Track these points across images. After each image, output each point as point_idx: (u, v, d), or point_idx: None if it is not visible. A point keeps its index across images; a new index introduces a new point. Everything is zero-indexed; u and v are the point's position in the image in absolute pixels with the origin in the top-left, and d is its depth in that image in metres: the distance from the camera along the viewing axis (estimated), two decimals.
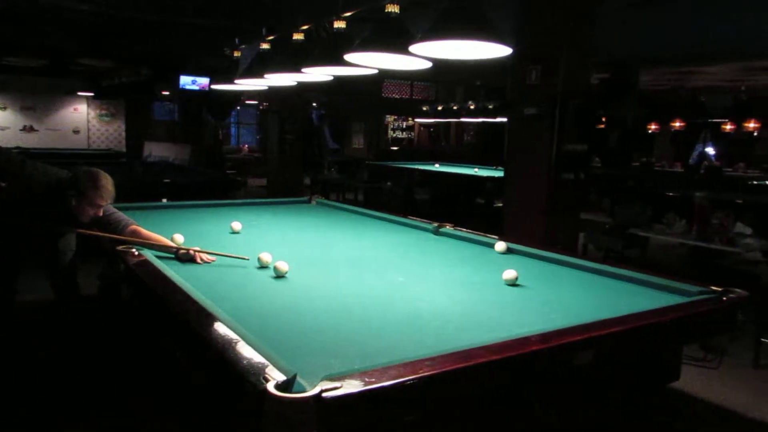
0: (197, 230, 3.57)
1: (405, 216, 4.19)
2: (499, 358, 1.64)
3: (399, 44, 2.48)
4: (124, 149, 13.90)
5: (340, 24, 3.15)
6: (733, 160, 13.64)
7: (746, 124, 13.65)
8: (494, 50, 2.36)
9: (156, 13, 7.04)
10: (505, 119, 11.80)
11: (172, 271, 2.49)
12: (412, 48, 2.38)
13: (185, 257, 2.82)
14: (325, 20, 3.28)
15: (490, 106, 10.92)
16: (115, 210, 3.10)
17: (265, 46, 4.05)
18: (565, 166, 5.13)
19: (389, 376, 1.49)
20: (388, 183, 8.66)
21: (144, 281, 2.41)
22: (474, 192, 8.38)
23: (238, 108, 18.47)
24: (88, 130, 14.18)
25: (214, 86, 4.70)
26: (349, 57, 2.75)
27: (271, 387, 1.39)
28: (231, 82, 4.42)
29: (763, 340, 3.83)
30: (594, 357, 1.85)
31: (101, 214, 2.95)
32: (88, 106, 14.04)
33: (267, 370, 1.51)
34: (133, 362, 3.25)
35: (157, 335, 2.50)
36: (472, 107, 11.55)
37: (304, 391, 1.41)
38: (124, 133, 14.51)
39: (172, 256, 2.85)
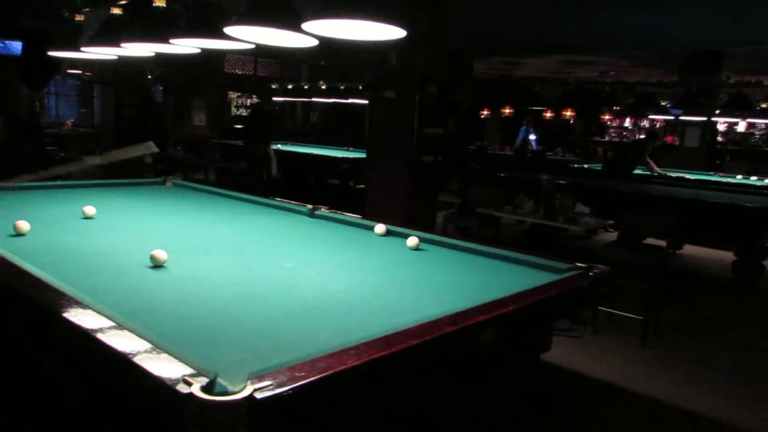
0: (42, 216, 3.14)
1: (274, 198, 4.07)
2: (418, 342, 1.66)
3: (291, 20, 2.36)
4: None
5: None
6: (552, 145, 15.15)
7: (564, 113, 15.26)
8: (388, 32, 2.35)
9: None
10: (356, 100, 12.01)
11: (27, 263, 2.16)
12: (305, 25, 2.29)
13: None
14: None
15: (342, 87, 10.94)
16: None
17: (116, 11, 3.64)
18: (424, 149, 5.33)
19: (318, 369, 1.44)
20: (243, 163, 8.34)
21: None
22: (328, 173, 8.39)
23: (57, 77, 16.51)
24: None
25: (52, 53, 4.12)
26: (229, 30, 2.57)
27: (196, 390, 1.27)
28: (75, 49, 3.91)
29: (600, 308, 4.35)
30: (494, 335, 1.95)
31: None
32: None
33: (183, 371, 1.38)
34: None
35: (18, 339, 2.16)
36: (323, 87, 11.48)
37: (227, 392, 1.31)
38: None
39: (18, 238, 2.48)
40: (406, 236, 3.19)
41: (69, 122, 15.52)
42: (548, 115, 15.54)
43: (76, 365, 1.79)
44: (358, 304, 2.09)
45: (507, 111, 15.72)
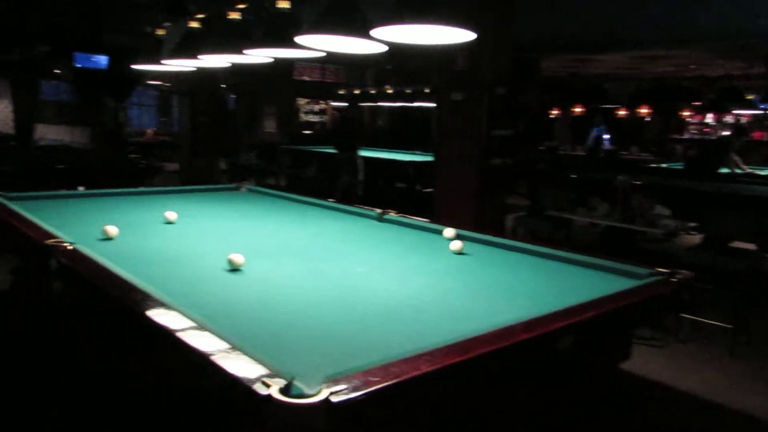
0: (127, 221, 3.31)
1: (343, 202, 4.13)
2: (493, 349, 1.63)
3: (360, 27, 2.39)
4: (11, 131, 12.72)
5: (284, 4, 3.00)
6: (626, 144, 14.57)
7: (639, 110, 14.65)
8: (457, 35, 2.33)
9: None
10: (423, 104, 12.00)
11: (116, 266, 2.28)
12: (375, 32, 2.30)
13: None
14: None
15: (408, 90, 10.95)
16: None
17: (194, 24, 3.80)
18: (493, 151, 5.25)
19: (392, 374, 1.44)
20: (313, 168, 8.49)
21: (88, 279, 2.20)
22: (395, 176, 8.42)
23: (139, 89, 17.42)
24: None
25: (135, 66, 4.36)
26: (301, 39, 2.62)
27: (275, 392, 1.30)
28: (156, 62, 4.12)
29: (683, 315, 4.12)
30: (572, 342, 1.89)
31: None
32: None
33: (261, 373, 1.41)
34: (58, 367, 2.97)
35: (103, 338, 2.29)
36: (389, 91, 11.53)
37: (302, 394, 1.33)
38: (11, 114, 13.25)
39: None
40: (477, 241, 3.15)
41: (150, 131, 16.33)
42: (621, 112, 14.96)
43: (157, 363, 1.87)
44: (430, 309, 2.08)
45: (577, 110, 15.27)
